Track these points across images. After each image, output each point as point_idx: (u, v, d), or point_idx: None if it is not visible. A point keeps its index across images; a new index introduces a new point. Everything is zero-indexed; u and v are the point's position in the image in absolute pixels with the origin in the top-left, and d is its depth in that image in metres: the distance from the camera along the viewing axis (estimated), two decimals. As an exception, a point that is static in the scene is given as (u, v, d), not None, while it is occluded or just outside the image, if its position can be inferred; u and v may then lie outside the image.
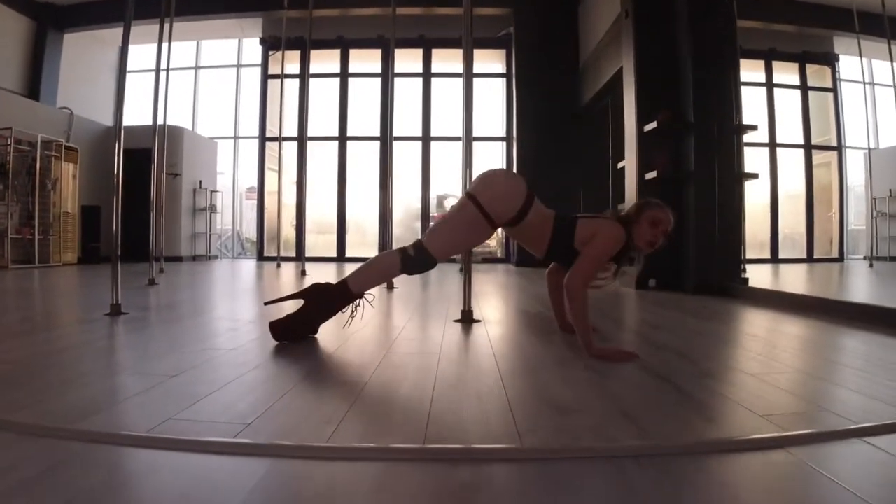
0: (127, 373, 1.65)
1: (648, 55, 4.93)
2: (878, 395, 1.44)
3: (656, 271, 4.83)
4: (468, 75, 3.33)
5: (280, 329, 2.12)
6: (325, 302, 2.12)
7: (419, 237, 2.16)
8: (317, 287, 2.18)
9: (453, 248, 2.17)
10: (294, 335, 2.13)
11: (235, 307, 3.59)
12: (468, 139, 3.30)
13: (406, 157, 10.74)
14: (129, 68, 3.48)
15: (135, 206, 9.05)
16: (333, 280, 2.24)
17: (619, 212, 2.21)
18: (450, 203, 11.28)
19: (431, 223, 2.41)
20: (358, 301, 2.17)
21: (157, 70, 6.03)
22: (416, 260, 2.07)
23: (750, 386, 1.56)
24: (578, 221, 2.14)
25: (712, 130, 4.46)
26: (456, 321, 2.77)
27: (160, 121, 7.03)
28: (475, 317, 2.81)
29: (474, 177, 2.21)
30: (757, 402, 1.38)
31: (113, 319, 2.76)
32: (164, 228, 7.12)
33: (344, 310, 2.16)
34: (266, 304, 2.43)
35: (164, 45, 6.32)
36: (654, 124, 4.69)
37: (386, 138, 10.62)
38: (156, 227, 5.77)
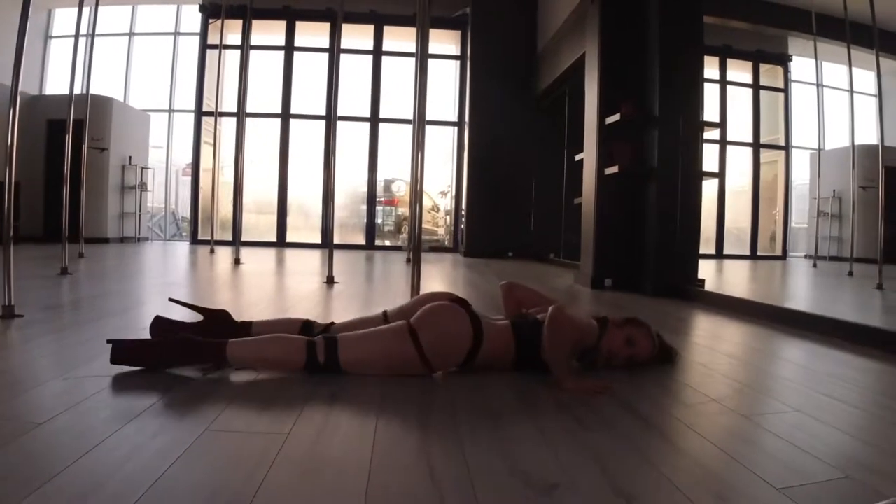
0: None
1: (613, 44, 4.68)
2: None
3: (613, 270, 4.63)
4: (423, 56, 2.99)
5: (128, 357, 1.67)
6: (185, 351, 1.66)
7: (333, 333, 1.78)
8: (221, 318, 1.92)
9: (371, 372, 1.72)
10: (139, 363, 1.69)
11: (151, 308, 3.18)
12: (420, 122, 2.98)
13: (353, 138, 10.29)
14: (60, 33, 3.02)
15: (59, 182, 8.40)
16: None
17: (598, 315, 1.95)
18: (396, 187, 10.92)
19: (354, 326, 1.87)
20: (220, 367, 1.71)
21: (77, 34, 5.50)
22: (323, 368, 1.66)
23: (753, 436, 1.32)
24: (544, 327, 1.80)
25: (678, 125, 4.25)
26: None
27: (84, 90, 6.46)
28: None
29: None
30: (771, 468, 1.12)
31: (3, 325, 2.33)
32: (87, 207, 6.52)
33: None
34: (171, 300, 2.13)
35: (90, 9, 5.78)
36: (616, 116, 4.45)
37: (331, 118, 10.21)
38: (73, 206, 5.21)
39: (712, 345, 2.60)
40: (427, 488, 1.01)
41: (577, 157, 5.23)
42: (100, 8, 6.08)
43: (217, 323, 1.91)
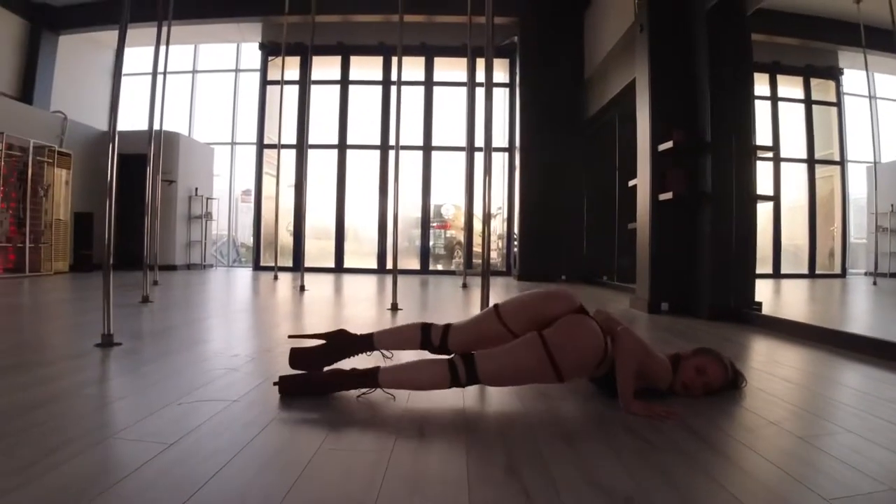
0: (118, 438, 1.46)
1: (663, 71, 4.78)
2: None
3: (669, 294, 4.68)
4: (488, 84, 3.14)
5: (292, 389, 1.92)
6: (346, 380, 1.90)
7: (462, 342, 1.97)
8: (342, 336, 2.09)
9: (507, 385, 1.95)
10: (300, 393, 1.94)
11: (232, 334, 3.42)
12: (486, 148, 3.11)
13: (406, 165, 10.57)
14: (124, 71, 3.30)
15: (128, 213, 8.95)
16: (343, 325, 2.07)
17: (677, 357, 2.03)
18: (446, 211, 11.11)
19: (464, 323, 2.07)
20: (373, 389, 1.92)
21: (154, 73, 5.84)
22: (465, 384, 1.83)
23: (807, 456, 1.42)
24: None
25: (730, 150, 4.31)
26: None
27: (156, 126, 6.87)
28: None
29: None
30: (822, 482, 1.24)
31: (104, 353, 2.57)
32: (159, 237, 6.92)
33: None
34: (290, 336, 2.34)
35: (161, 49, 6.14)
36: (669, 144, 4.53)
37: (386, 147, 10.55)
38: (149, 237, 5.57)
39: (770, 369, 2.66)
40: (521, 499, 1.15)
41: (631, 183, 5.31)
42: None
43: (339, 341, 2.07)
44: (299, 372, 1.99)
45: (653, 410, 1.74)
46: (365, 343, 2.05)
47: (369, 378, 1.87)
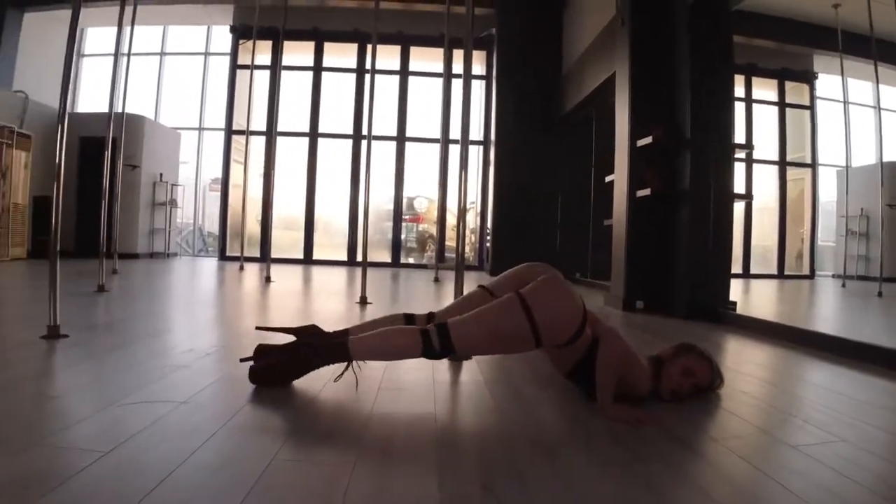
0: (49, 444, 1.29)
1: (644, 67, 4.69)
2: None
3: (645, 292, 4.61)
4: (465, 76, 3.01)
5: (260, 377, 1.83)
6: (315, 358, 1.80)
7: (443, 320, 1.81)
8: (312, 332, 1.91)
9: (485, 352, 1.84)
10: (269, 383, 1.84)
11: (189, 328, 3.24)
12: (462, 140, 2.99)
13: (379, 156, 10.39)
14: (91, 52, 3.10)
15: (90, 198, 8.60)
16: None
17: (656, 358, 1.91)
18: (419, 204, 10.97)
19: (454, 305, 1.96)
20: (348, 365, 1.81)
21: (116, 53, 5.60)
22: (439, 353, 1.73)
23: (798, 465, 1.33)
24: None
25: (709, 148, 4.24)
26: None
27: (119, 108, 6.59)
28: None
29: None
30: (814, 494, 1.15)
31: (49, 345, 2.39)
32: (120, 223, 6.64)
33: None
34: (258, 328, 2.19)
35: (126, 29, 5.89)
36: (648, 139, 4.45)
37: (359, 136, 10.33)
38: (108, 223, 5.32)
39: (752, 371, 2.58)
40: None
41: (608, 179, 5.23)
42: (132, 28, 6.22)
43: (310, 337, 1.91)
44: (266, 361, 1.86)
45: (632, 415, 1.63)
46: (339, 347, 1.80)
47: (339, 351, 1.76)
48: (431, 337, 1.71)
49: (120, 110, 6.73)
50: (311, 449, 1.38)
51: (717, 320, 4.07)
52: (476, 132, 10.62)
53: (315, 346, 1.80)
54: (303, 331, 1.93)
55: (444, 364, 2.28)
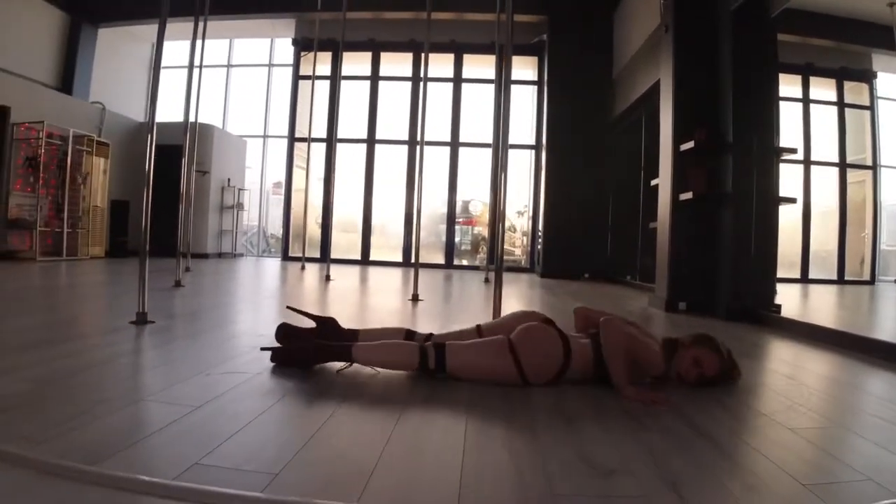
0: (150, 400, 1.61)
1: (687, 71, 4.81)
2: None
3: (687, 293, 4.71)
4: (506, 83, 3.25)
5: (280, 359, 2.10)
6: (321, 353, 2.07)
7: (441, 342, 2.06)
8: (329, 325, 2.24)
9: (471, 379, 2.01)
10: (289, 364, 2.10)
11: (259, 318, 3.57)
12: (503, 146, 3.23)
13: (433, 161, 10.69)
14: (163, 64, 3.45)
15: (162, 202, 9.14)
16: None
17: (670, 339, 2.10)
18: (474, 207, 11.20)
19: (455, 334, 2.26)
20: (350, 363, 2.07)
21: (190, 67, 6.02)
22: (433, 371, 1.99)
23: (791, 444, 1.49)
24: None
25: (751, 151, 4.33)
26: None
27: (192, 118, 7.08)
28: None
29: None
30: (800, 468, 1.31)
31: (138, 329, 2.74)
32: (192, 225, 7.14)
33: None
34: (288, 307, 2.55)
35: (198, 43, 6.33)
36: (691, 143, 4.57)
37: (414, 142, 10.66)
38: (184, 225, 5.77)
39: (777, 367, 2.72)
40: (507, 465, 1.26)
41: (653, 183, 5.35)
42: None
43: (327, 328, 2.23)
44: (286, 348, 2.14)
45: (646, 396, 1.82)
46: (344, 352, 2.04)
47: (344, 354, 2.03)
48: (429, 355, 1.98)
49: (192, 120, 7.24)
50: (360, 412, 1.65)
51: (758, 322, 4.13)
52: (529, 137, 10.81)
53: (324, 348, 2.06)
54: (323, 321, 2.25)
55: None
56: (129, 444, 1.27)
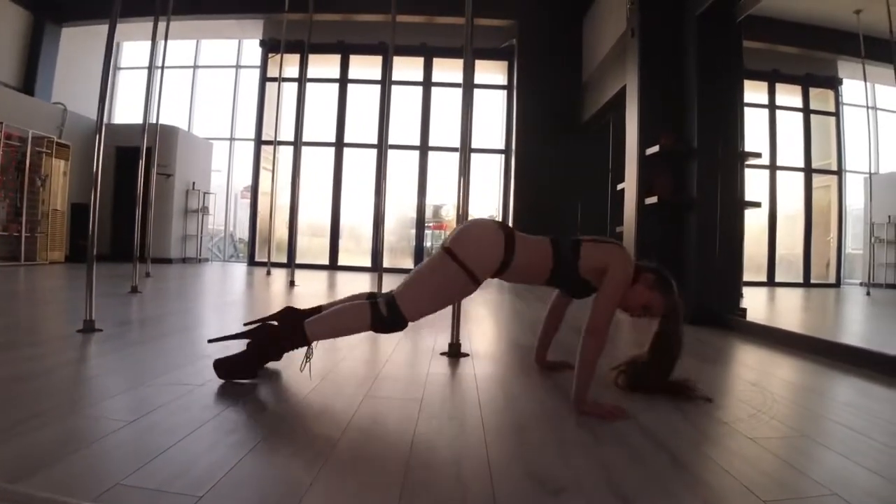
0: (84, 414, 1.52)
1: (653, 76, 4.82)
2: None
3: (653, 298, 4.69)
4: (468, 85, 3.21)
5: (225, 370, 1.94)
6: (271, 342, 1.94)
7: (392, 290, 1.96)
8: (287, 314, 2.06)
9: (430, 308, 1.94)
10: (237, 376, 1.94)
11: (212, 325, 3.47)
12: (467, 150, 3.18)
13: (403, 165, 10.61)
14: (126, 65, 3.35)
15: (124, 205, 8.99)
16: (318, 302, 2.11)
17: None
18: (446, 212, 11.15)
19: (409, 276, 2.13)
20: (309, 350, 1.97)
21: (151, 67, 5.91)
22: (388, 321, 1.88)
23: (752, 455, 1.44)
24: (582, 246, 2.03)
25: (716, 156, 4.34)
26: (443, 354, 2.65)
27: (153, 119, 6.91)
28: (463, 349, 2.68)
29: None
30: (760, 481, 1.27)
31: (85, 338, 2.62)
32: (154, 229, 6.96)
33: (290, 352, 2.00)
34: (245, 325, 2.15)
35: (160, 43, 6.19)
36: (656, 148, 4.57)
37: (382, 146, 10.56)
38: (141, 229, 5.61)
39: (741, 373, 2.70)
40: (452, 481, 1.20)
41: (619, 187, 5.35)
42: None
43: (289, 317, 2.04)
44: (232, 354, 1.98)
45: (603, 409, 1.75)
46: (297, 330, 1.94)
47: (297, 335, 1.91)
48: (380, 306, 1.88)
49: (154, 121, 7.07)
50: (302, 426, 1.57)
51: (723, 326, 4.14)
52: (498, 141, 10.79)
53: (273, 339, 1.93)
54: (280, 314, 2.07)
55: (442, 361, 2.47)
56: (54, 461, 1.19)
